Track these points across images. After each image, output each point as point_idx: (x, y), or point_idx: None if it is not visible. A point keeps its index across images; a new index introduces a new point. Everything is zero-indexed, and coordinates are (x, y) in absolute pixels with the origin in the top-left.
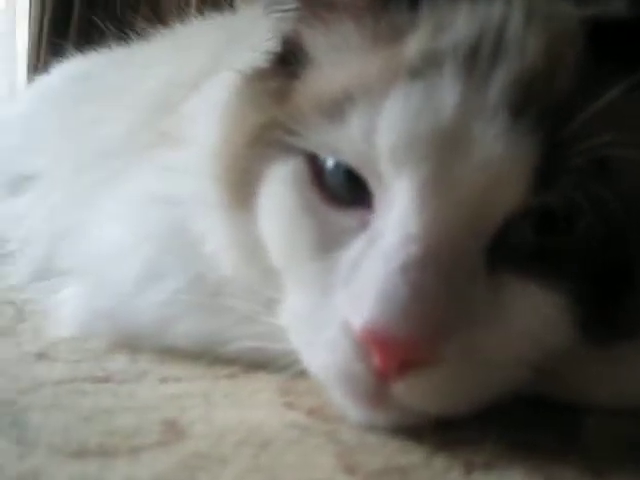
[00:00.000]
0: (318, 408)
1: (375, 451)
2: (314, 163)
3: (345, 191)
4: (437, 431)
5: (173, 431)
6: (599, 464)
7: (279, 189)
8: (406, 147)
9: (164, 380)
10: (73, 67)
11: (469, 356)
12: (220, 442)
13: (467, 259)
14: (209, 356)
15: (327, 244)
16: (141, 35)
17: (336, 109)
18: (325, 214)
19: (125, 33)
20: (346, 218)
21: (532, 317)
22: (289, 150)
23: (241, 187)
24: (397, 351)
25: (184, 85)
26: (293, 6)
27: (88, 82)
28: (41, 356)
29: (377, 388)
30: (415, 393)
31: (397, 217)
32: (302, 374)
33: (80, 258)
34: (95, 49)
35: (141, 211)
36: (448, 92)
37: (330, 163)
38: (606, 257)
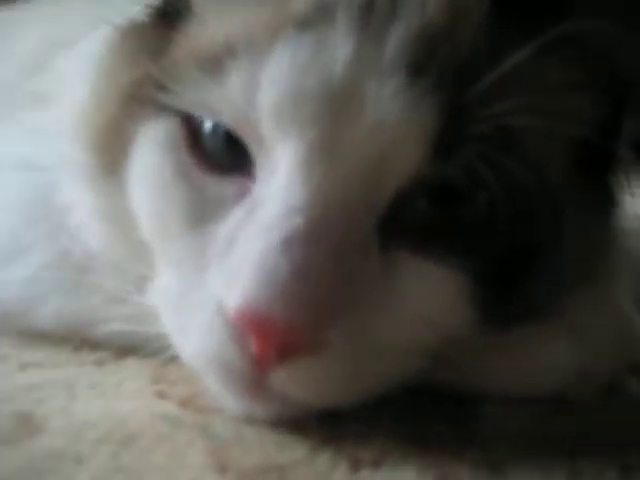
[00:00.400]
0: (191, 398)
1: (252, 447)
2: (190, 124)
3: (224, 156)
4: (322, 425)
5: (27, 426)
6: (497, 458)
7: (150, 152)
8: (291, 106)
9: (24, 367)
10: None
11: (358, 342)
12: (78, 439)
13: (357, 233)
14: (76, 339)
15: (202, 215)
16: None
17: (216, 64)
18: (201, 181)
19: None
20: (224, 186)
21: (428, 297)
22: (163, 109)
23: (112, 151)
24: (276, 336)
25: (63, 44)
26: None
27: None
28: None
29: (254, 376)
30: (296, 383)
31: (279, 185)
32: (175, 360)
33: None
34: None
35: (2, 177)
36: (340, 46)
37: (208, 124)
38: (510, 235)
